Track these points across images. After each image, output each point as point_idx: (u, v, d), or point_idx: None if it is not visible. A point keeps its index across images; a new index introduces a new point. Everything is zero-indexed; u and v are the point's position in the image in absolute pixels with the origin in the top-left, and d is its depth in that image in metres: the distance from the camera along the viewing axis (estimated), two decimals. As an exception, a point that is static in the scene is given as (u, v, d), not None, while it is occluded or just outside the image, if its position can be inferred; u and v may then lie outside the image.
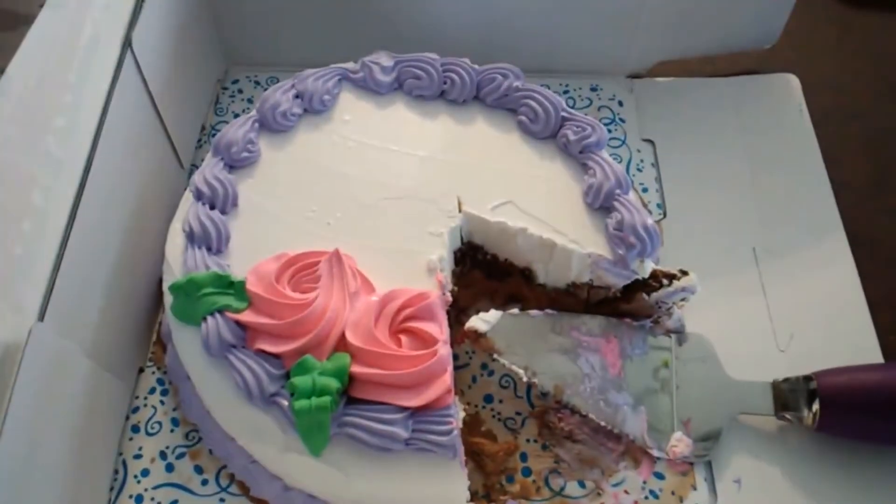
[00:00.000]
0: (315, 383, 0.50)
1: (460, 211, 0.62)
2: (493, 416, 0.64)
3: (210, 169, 0.63)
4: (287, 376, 0.52)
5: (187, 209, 0.61)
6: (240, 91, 0.87)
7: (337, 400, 0.50)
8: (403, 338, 0.54)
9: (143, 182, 0.67)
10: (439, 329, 0.54)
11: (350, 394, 0.52)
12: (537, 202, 0.64)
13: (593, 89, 0.85)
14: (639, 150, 0.80)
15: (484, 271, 0.69)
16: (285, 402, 0.51)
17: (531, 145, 0.68)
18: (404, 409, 0.51)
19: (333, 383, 0.50)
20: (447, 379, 0.53)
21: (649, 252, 0.60)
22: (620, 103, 0.84)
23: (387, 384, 0.51)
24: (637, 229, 0.59)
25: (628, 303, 0.65)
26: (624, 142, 0.81)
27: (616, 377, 0.62)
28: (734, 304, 0.69)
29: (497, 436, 0.62)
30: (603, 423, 0.61)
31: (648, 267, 0.61)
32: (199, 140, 0.81)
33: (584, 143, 0.66)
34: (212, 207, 0.60)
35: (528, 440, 0.63)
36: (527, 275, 0.67)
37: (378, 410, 0.51)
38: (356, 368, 0.51)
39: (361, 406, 0.51)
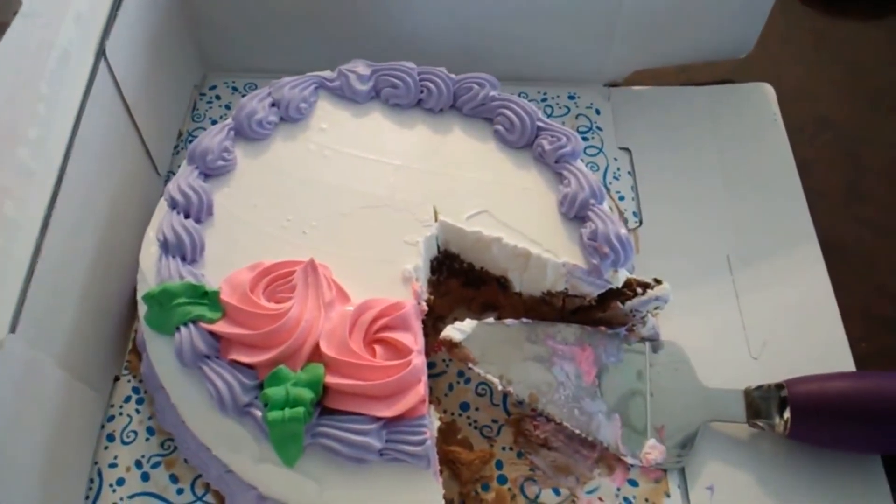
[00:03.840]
0: (289, 394, 0.50)
1: (436, 220, 0.63)
2: (470, 424, 0.64)
3: (185, 177, 0.62)
4: (261, 387, 0.51)
5: (161, 218, 0.60)
6: (217, 97, 0.87)
7: (311, 411, 0.50)
8: (378, 348, 0.53)
9: (118, 191, 0.66)
10: (414, 339, 0.54)
11: (324, 404, 0.51)
12: (513, 211, 0.64)
13: (571, 97, 0.86)
14: (616, 159, 0.81)
15: (460, 280, 0.69)
16: (259, 413, 0.51)
17: (507, 154, 0.69)
18: (378, 419, 0.50)
19: (307, 394, 0.50)
20: (421, 389, 0.53)
21: (622, 262, 0.60)
22: (598, 111, 0.84)
23: (361, 394, 0.51)
24: (610, 239, 0.60)
25: (603, 311, 0.65)
26: (601, 150, 0.81)
27: (591, 385, 0.63)
28: (708, 312, 0.70)
29: (473, 444, 0.63)
30: (577, 431, 0.61)
31: (622, 276, 0.61)
32: (176, 146, 0.81)
33: (559, 153, 0.66)
34: (186, 216, 0.60)
35: (503, 448, 0.63)
36: (503, 283, 0.67)
37: (352, 421, 0.51)
38: (330, 379, 0.51)
39: (335, 416, 0.51)
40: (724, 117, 0.85)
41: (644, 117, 0.84)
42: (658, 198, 0.78)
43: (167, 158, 0.78)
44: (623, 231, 0.60)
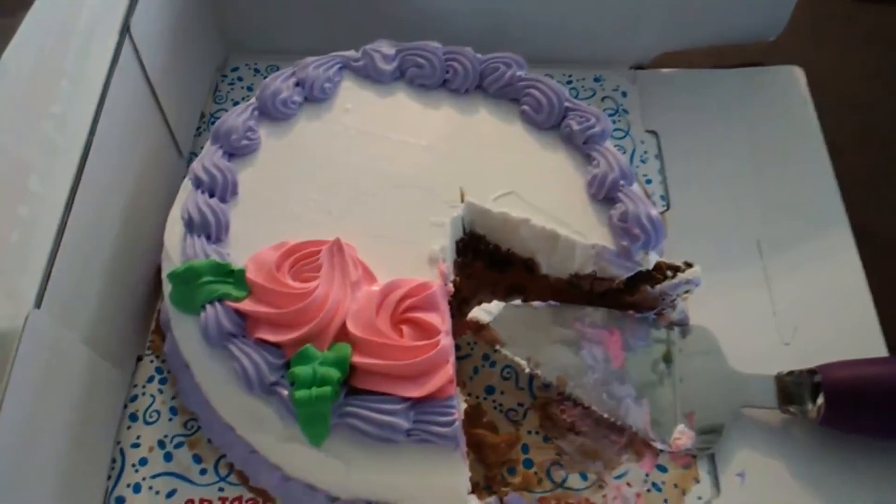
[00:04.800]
0: (316, 373, 0.49)
1: (462, 201, 0.62)
2: (495, 408, 0.63)
3: (209, 157, 0.62)
4: (287, 366, 0.51)
5: (186, 197, 0.60)
6: (239, 79, 0.86)
7: (338, 390, 0.49)
8: (405, 328, 0.53)
9: (142, 169, 0.66)
10: (441, 319, 0.53)
11: (351, 384, 0.51)
12: (540, 193, 0.63)
13: (597, 80, 0.84)
14: (642, 142, 0.79)
15: (486, 262, 0.68)
16: (285, 392, 0.50)
17: (534, 136, 0.67)
18: (406, 399, 0.50)
19: (334, 373, 0.49)
20: (449, 369, 0.52)
21: (653, 244, 0.59)
22: (624, 94, 0.83)
23: (388, 374, 0.50)
24: (641, 220, 0.59)
25: (632, 295, 0.64)
26: (627, 133, 0.80)
27: (619, 369, 0.62)
28: (738, 297, 0.69)
29: (498, 427, 0.62)
30: (606, 416, 0.60)
31: (653, 259, 0.60)
32: (199, 128, 0.80)
33: (587, 134, 0.65)
34: (211, 195, 0.59)
35: (529, 432, 0.62)
36: (529, 266, 0.66)
37: (379, 401, 0.50)
38: (357, 358, 0.51)
39: (362, 396, 0.50)
40: (753, 100, 0.83)
41: (671, 100, 0.83)
42: (686, 181, 0.77)
43: (190, 139, 0.78)
44: (654, 212, 0.59)
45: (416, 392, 0.50)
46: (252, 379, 0.51)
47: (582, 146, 0.66)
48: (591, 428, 0.61)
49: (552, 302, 0.62)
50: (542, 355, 0.60)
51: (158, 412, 0.62)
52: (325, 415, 0.50)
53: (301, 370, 0.50)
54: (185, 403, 0.61)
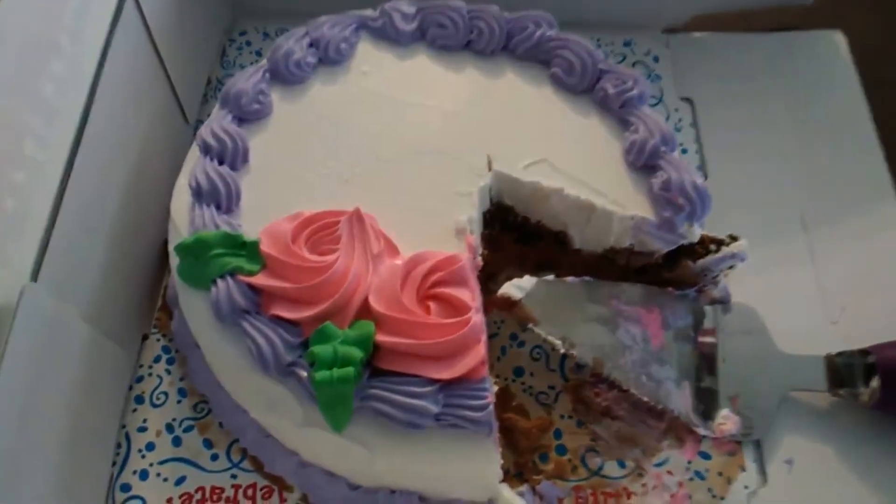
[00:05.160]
0: (336, 352, 0.46)
1: (490, 169, 0.58)
2: (525, 391, 0.60)
3: (218, 121, 0.58)
4: (306, 345, 0.47)
5: (194, 164, 0.56)
6: (248, 43, 0.82)
7: (360, 371, 0.46)
8: (432, 304, 0.49)
9: (146, 135, 0.62)
10: (471, 295, 0.50)
11: (374, 364, 0.47)
12: (573, 161, 0.59)
13: (627, 44, 0.80)
14: (676, 110, 0.75)
15: (514, 235, 0.64)
16: (304, 373, 0.47)
17: (565, 100, 0.63)
18: (434, 381, 0.46)
19: (357, 353, 0.46)
20: (481, 349, 0.48)
21: (699, 214, 0.55)
22: (656, 59, 0.78)
23: (415, 354, 0.47)
24: (686, 189, 0.55)
25: (671, 270, 0.60)
26: (661, 100, 0.76)
27: (658, 349, 0.58)
28: (781, 274, 0.65)
29: (529, 411, 0.58)
30: (644, 399, 0.56)
31: (697, 231, 0.56)
32: (205, 94, 0.76)
33: (624, 97, 0.61)
34: (220, 162, 0.56)
35: (562, 416, 0.58)
36: (561, 239, 0.62)
37: (406, 383, 0.47)
38: (381, 337, 0.47)
39: (387, 378, 0.47)
40: (792, 66, 0.79)
41: (706, 66, 0.78)
42: (724, 151, 0.73)
43: (196, 106, 0.74)
44: (699, 180, 0.55)
45: (445, 373, 0.47)
46: (267, 359, 0.47)
47: (618, 110, 0.61)
48: (627, 412, 0.58)
49: (586, 278, 0.58)
50: (576, 334, 0.56)
51: (166, 394, 0.59)
52: (348, 398, 0.46)
53: (321, 349, 0.46)
54: (195, 385, 0.58)
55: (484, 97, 0.63)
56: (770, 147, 0.73)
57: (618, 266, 0.61)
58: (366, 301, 0.49)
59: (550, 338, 0.55)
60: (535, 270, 0.64)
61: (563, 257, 0.63)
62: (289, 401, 0.48)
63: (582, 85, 0.63)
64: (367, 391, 0.47)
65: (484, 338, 0.49)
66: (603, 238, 0.59)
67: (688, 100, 0.76)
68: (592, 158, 0.60)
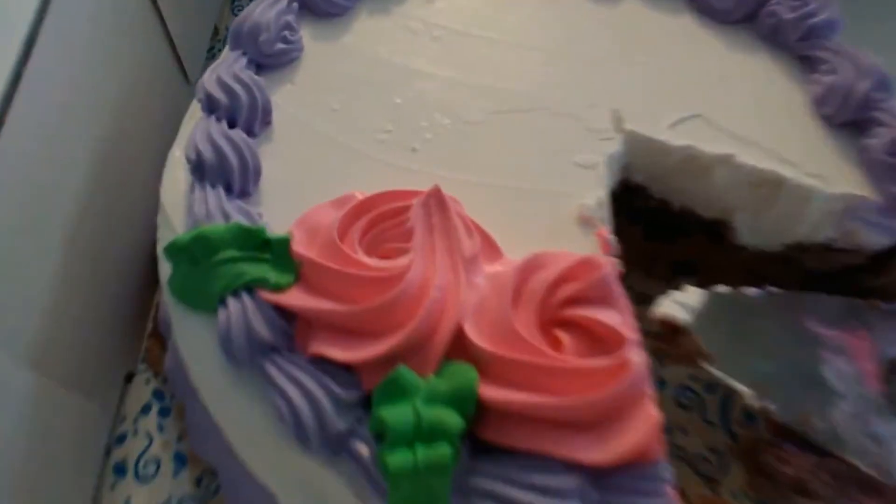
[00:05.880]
0: (420, 419, 0.32)
1: (619, 130, 0.44)
2: (676, 455, 0.45)
3: (228, 67, 0.46)
4: (367, 403, 0.34)
5: (194, 128, 0.43)
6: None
7: (459, 448, 0.32)
8: (563, 335, 0.35)
9: (129, 97, 0.50)
10: (623, 319, 0.35)
11: (478, 436, 0.33)
12: (741, 116, 0.45)
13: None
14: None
15: (640, 227, 0.49)
16: (366, 451, 0.33)
17: (716, 32, 0.51)
18: (580, 467, 0.32)
19: (452, 419, 0.32)
20: (652, 411, 0.32)
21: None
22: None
23: (545, 420, 0.33)
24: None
25: (877, 276, 0.45)
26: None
27: (877, 393, 0.41)
28: None
29: (685, 488, 0.43)
30: (857, 466, 0.40)
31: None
32: (211, 48, 0.65)
33: (807, 25, 0.47)
34: (231, 124, 0.43)
35: (734, 495, 0.43)
36: (716, 231, 0.47)
37: (533, 469, 0.32)
38: (488, 390, 0.33)
39: (502, 461, 0.32)
40: None
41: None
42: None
43: (200, 62, 0.63)
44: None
45: (598, 454, 0.32)
46: (307, 426, 0.34)
47: (796, 44, 0.48)
48: (830, 486, 0.41)
49: (771, 288, 0.42)
50: (770, 377, 0.39)
51: (158, 462, 0.46)
52: (441, 495, 0.31)
53: (394, 414, 0.32)
54: (198, 449, 0.45)
55: (601, 31, 0.50)
56: None
57: (799, 271, 0.46)
58: (460, 331, 0.35)
59: (734, 383, 0.37)
60: (669, 275, 0.51)
61: (714, 258, 0.49)
62: (341, 491, 0.34)
63: (739, 10, 0.49)
64: (469, 481, 0.32)
65: (651, 392, 0.33)
66: (788, 229, 0.45)
67: None
68: (766, 112, 0.46)
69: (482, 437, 0.33)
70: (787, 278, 0.46)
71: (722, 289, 0.41)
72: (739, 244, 0.46)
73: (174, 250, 0.39)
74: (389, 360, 0.34)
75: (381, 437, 0.32)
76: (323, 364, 0.35)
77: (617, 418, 0.32)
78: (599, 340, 0.34)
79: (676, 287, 0.47)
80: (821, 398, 0.41)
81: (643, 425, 0.32)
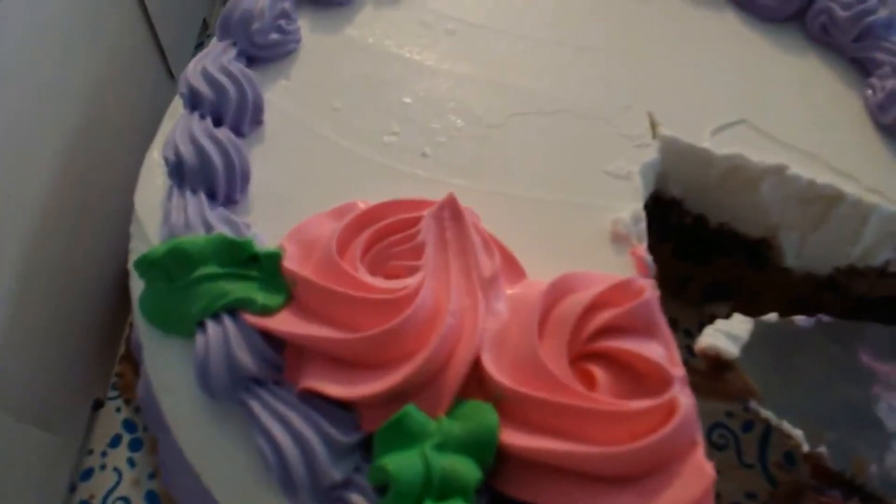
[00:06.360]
0: (431, 469, 0.28)
1: (655, 136, 0.41)
2: None
3: (215, 59, 0.42)
4: (368, 448, 0.30)
5: (174, 126, 0.40)
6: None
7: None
8: (597, 370, 0.30)
9: (103, 88, 0.45)
10: (667, 353, 0.30)
11: (498, 488, 0.29)
12: (790, 123, 0.41)
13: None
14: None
15: (671, 245, 0.45)
16: None
17: (760, 31, 0.46)
18: None
19: (468, 469, 0.28)
20: (703, 462, 0.28)
21: None
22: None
23: (577, 472, 0.28)
24: None
25: None
26: None
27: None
28: None
29: None
30: None
31: None
32: (200, 45, 0.60)
33: (864, 24, 0.43)
34: (217, 122, 0.39)
35: None
36: (760, 251, 0.42)
37: None
38: (510, 435, 0.29)
39: None
40: None
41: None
42: None
43: (186, 55, 0.59)
44: None
45: None
46: (296, 475, 0.29)
47: (852, 45, 0.44)
48: None
49: (823, 317, 0.37)
50: (823, 419, 0.34)
51: (127, 502, 0.42)
52: None
53: (398, 463, 0.28)
54: (173, 490, 0.40)
55: (633, 28, 0.46)
56: None
57: (847, 298, 0.42)
58: (476, 363, 0.31)
59: (787, 427, 0.33)
60: (702, 300, 0.46)
61: (753, 281, 0.45)
62: (336, 548, 0.29)
63: (787, 7, 0.45)
64: (488, 549, 0.27)
65: (701, 437, 0.29)
66: (840, 250, 0.41)
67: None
68: (817, 120, 0.42)
69: (502, 490, 0.29)
70: (832, 306, 0.42)
71: (770, 317, 0.37)
72: (783, 266, 0.41)
73: (146, 265, 0.35)
74: (395, 397, 0.30)
75: (384, 490, 0.28)
76: (316, 401, 0.31)
77: (662, 472, 0.28)
78: (640, 377, 0.30)
79: (708, 312, 0.43)
80: (875, 440, 0.36)
81: (695, 481, 0.28)
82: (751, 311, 0.40)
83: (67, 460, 0.42)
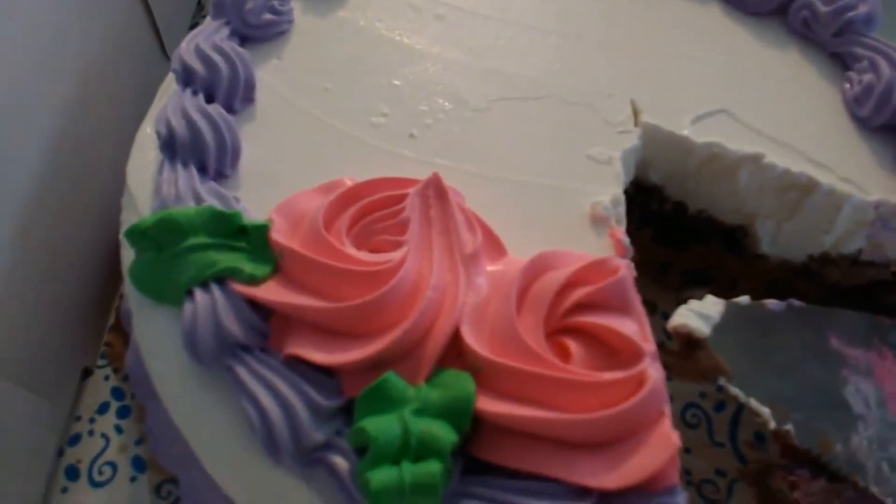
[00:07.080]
0: (409, 432, 0.28)
1: (637, 123, 0.42)
2: (682, 478, 0.40)
3: (208, 37, 0.42)
4: (349, 412, 0.31)
5: (167, 102, 0.40)
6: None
7: (450, 468, 0.28)
8: (572, 343, 0.31)
9: (98, 64, 0.45)
10: (639, 329, 0.31)
11: (473, 454, 0.30)
12: (769, 114, 0.42)
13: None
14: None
15: (651, 231, 0.46)
16: (345, 468, 0.29)
17: (743, 24, 0.48)
18: (587, 492, 0.28)
19: (444, 433, 0.28)
20: (668, 430, 0.29)
21: None
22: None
23: (550, 438, 0.29)
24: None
25: None
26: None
27: (902, 419, 0.37)
28: None
29: None
30: (877, 496, 0.36)
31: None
32: (195, 25, 0.59)
33: (844, 19, 0.44)
34: (209, 99, 0.40)
35: None
36: (736, 239, 0.43)
37: (534, 494, 0.28)
38: (487, 403, 0.29)
39: (500, 483, 0.29)
40: None
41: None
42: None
43: (180, 33, 0.56)
44: None
45: (608, 479, 0.28)
46: (280, 437, 0.30)
47: (832, 40, 0.45)
48: None
49: (795, 301, 0.38)
50: (791, 398, 0.35)
51: (114, 466, 0.42)
52: None
53: (379, 425, 0.28)
54: (158, 455, 0.41)
55: (619, 17, 0.47)
56: None
57: (820, 285, 0.43)
58: (456, 335, 0.31)
59: (755, 405, 0.34)
60: (680, 285, 0.48)
61: (730, 267, 0.46)
62: (315, 506, 0.29)
63: (771, 2, 0.46)
64: (462, 505, 0.27)
65: (668, 410, 0.30)
66: (813, 238, 0.41)
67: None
68: (796, 111, 0.42)
69: (477, 456, 0.30)
70: (806, 293, 0.43)
71: (742, 300, 0.38)
72: (759, 253, 0.42)
73: (136, 234, 0.35)
74: (376, 364, 0.31)
75: (363, 451, 0.29)
76: (300, 367, 0.32)
77: (630, 439, 0.29)
78: (613, 351, 0.31)
79: (687, 296, 0.44)
80: (841, 421, 0.37)
81: (660, 449, 0.28)
82: (729, 297, 0.40)
83: (56, 426, 0.42)
